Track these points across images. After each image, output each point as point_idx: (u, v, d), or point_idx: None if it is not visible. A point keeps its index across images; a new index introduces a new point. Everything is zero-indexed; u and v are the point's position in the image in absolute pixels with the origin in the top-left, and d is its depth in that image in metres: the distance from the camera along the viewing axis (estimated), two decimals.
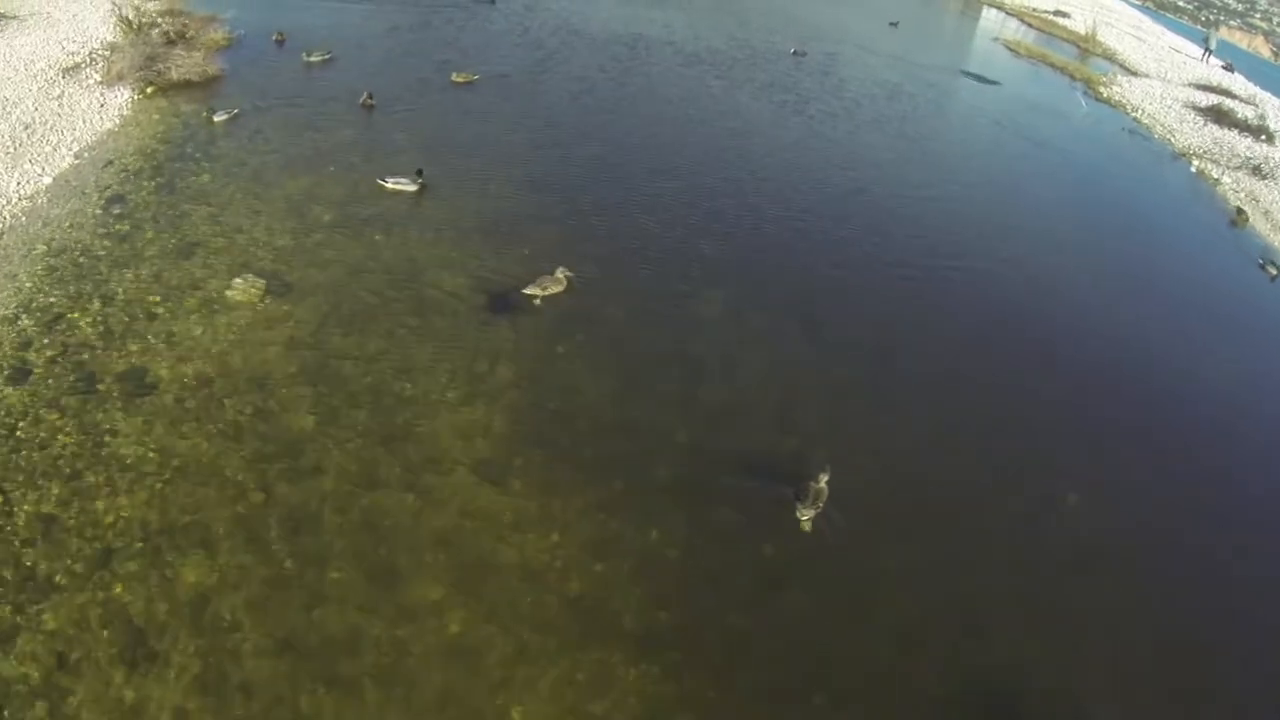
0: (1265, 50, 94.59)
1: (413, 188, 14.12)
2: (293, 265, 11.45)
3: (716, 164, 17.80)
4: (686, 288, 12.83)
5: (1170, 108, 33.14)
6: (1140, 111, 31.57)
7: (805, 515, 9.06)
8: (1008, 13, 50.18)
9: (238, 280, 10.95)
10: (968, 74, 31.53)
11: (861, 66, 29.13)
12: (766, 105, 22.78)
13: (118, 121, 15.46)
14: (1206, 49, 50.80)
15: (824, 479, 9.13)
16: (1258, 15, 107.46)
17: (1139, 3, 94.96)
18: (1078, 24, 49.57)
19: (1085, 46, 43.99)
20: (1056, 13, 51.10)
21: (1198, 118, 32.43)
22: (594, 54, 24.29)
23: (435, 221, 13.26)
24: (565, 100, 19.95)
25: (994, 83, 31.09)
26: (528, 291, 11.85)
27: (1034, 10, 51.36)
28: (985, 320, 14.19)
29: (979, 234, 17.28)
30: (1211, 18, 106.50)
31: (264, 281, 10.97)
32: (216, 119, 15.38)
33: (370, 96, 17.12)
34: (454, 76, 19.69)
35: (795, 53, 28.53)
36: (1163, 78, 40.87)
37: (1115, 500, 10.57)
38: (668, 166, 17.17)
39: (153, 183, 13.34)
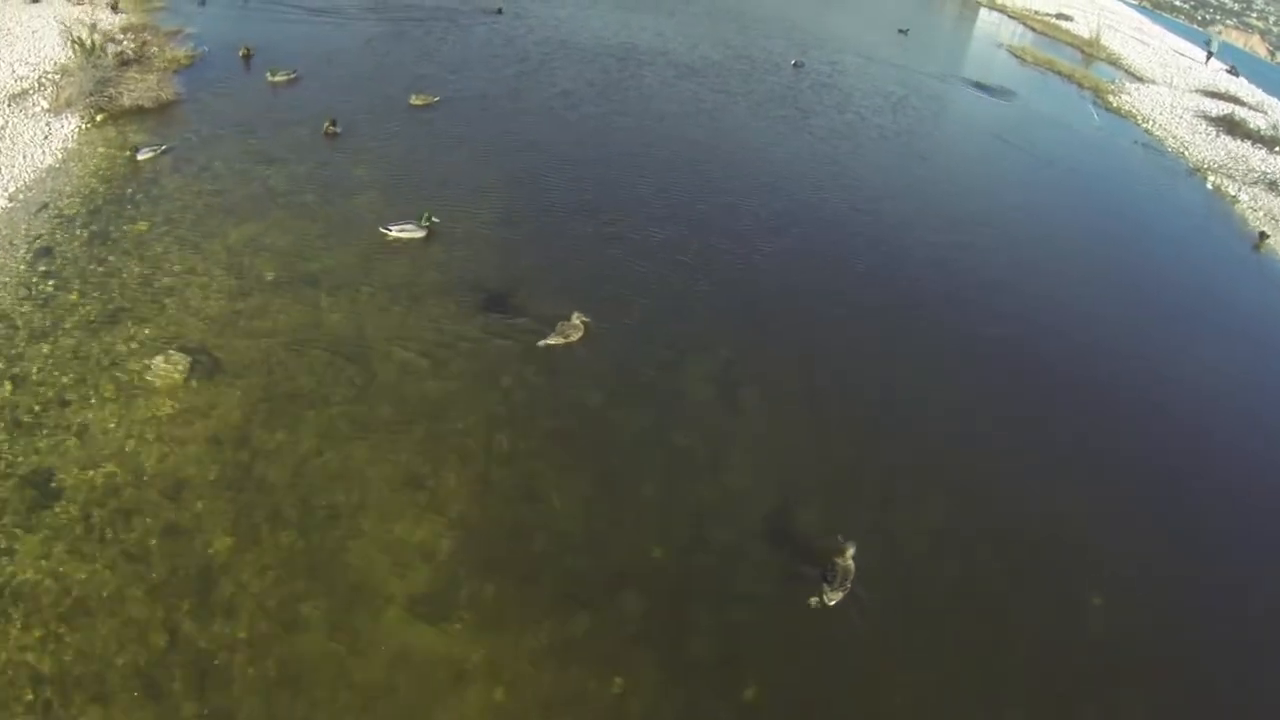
0: (1261, 49, 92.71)
1: (420, 234, 12.61)
2: (224, 337, 9.87)
3: (707, 194, 16.09)
4: (673, 353, 11.19)
5: (1181, 118, 31.44)
6: (1151, 123, 29.88)
7: (833, 597, 8.06)
8: (1009, 15, 48.30)
9: (159, 360, 9.38)
10: (974, 84, 29.71)
11: (864, 77, 27.33)
12: (764, 123, 21.04)
13: (60, 156, 13.89)
14: (1208, 51, 49.00)
15: (849, 553, 8.19)
16: (1254, 14, 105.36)
17: (1136, 2, 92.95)
18: (1081, 28, 47.70)
19: (1090, 51, 42.19)
20: (1059, 15, 49.19)
21: (1210, 128, 30.76)
22: (581, 66, 22.53)
23: (390, 277, 11.62)
24: (546, 122, 18.19)
25: (1002, 93, 29.30)
26: (548, 342, 10.69)
27: (1036, 13, 49.47)
28: (1010, 371, 12.62)
29: (996, 278, 15.49)
30: (1208, 17, 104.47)
31: (188, 360, 9.41)
32: (140, 157, 13.65)
33: (334, 124, 15.49)
34: (412, 99, 17.75)
35: (795, 64, 26.80)
36: (1170, 84, 39.12)
37: (1146, 595, 9.13)
38: (654, 199, 15.46)
39: (87, 231, 11.80)
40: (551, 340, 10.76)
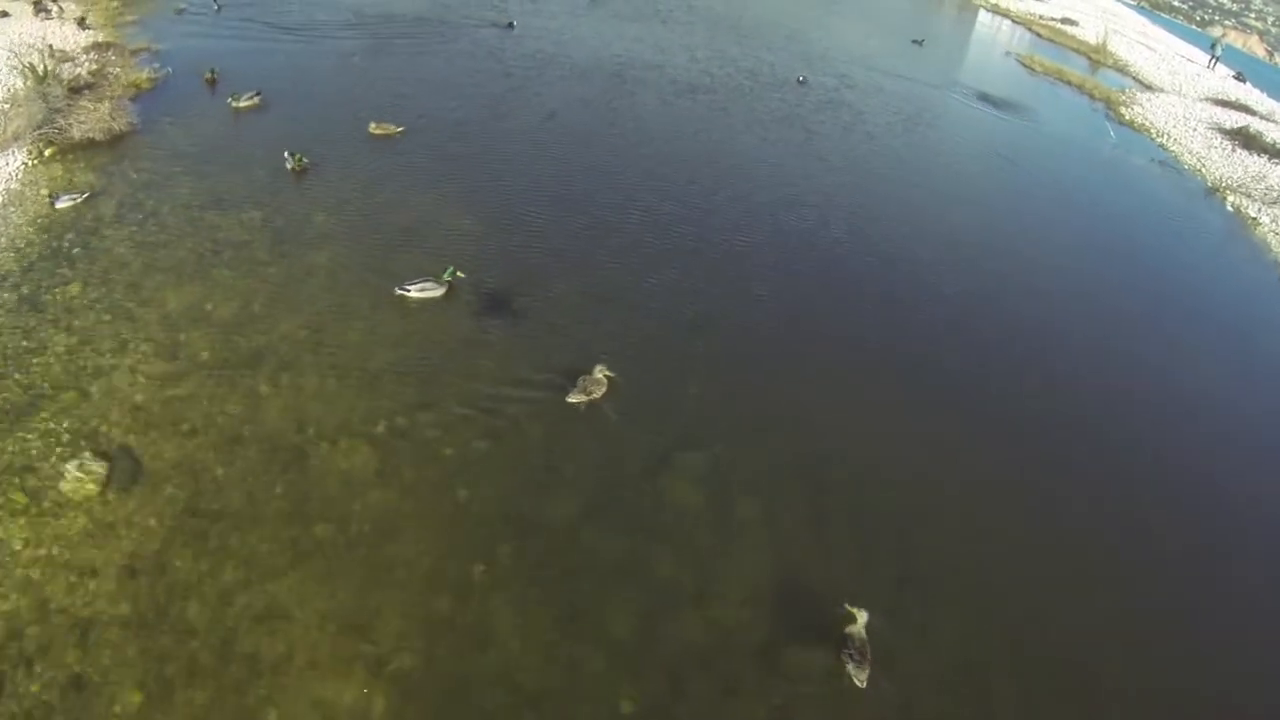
0: (1259, 49, 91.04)
1: (439, 292, 11.22)
2: (149, 434, 8.41)
3: (708, 235, 14.54)
4: (658, 448, 9.55)
5: (1195, 130, 29.89)
6: (1166, 137, 28.34)
7: (861, 676, 7.33)
8: (1014, 20, 46.59)
9: (73, 465, 8.01)
10: (988, 99, 27.98)
11: (872, 93, 25.62)
12: (770, 150, 19.32)
13: (1, 199, 12.61)
14: (1213, 56, 47.34)
15: (862, 621, 7.62)
16: (1252, 15, 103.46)
17: (1135, 2, 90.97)
18: (1087, 33, 46.00)
19: (1097, 58, 40.56)
20: (1064, 20, 47.48)
21: (1225, 142, 29.19)
22: (571, 84, 20.92)
23: (341, 353, 10.02)
24: (528, 152, 16.45)
25: (1017, 110, 27.51)
26: (572, 400, 9.77)
27: (1040, 18, 47.75)
28: (1043, 435, 11.04)
29: (1023, 332, 14.03)
30: (1206, 17, 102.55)
31: (106, 467, 8.04)
32: (59, 205, 12.08)
33: (300, 159, 14.11)
34: (372, 127, 15.90)
35: (800, 80, 25.06)
36: (1179, 92, 37.51)
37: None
38: (649, 242, 13.92)
39: (16, 294, 10.37)
40: (575, 398, 9.76)
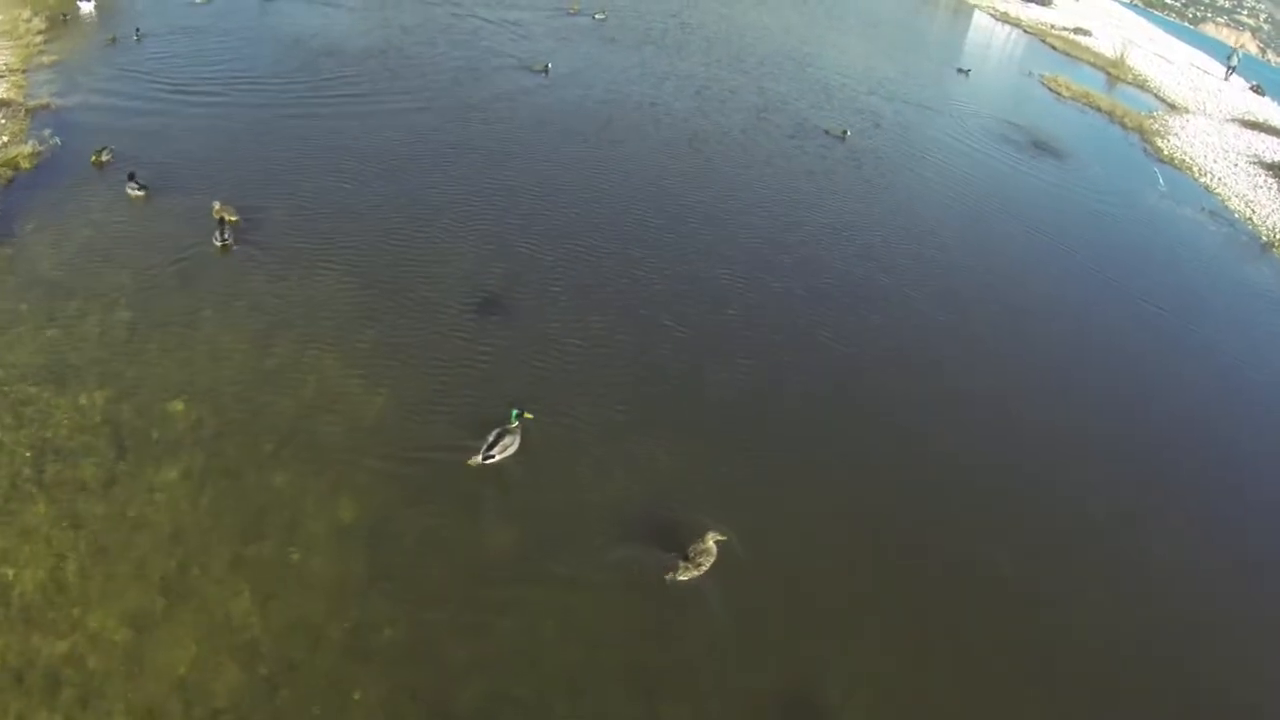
0: (1252, 46, 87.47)
1: (516, 444, 8.54)
2: None
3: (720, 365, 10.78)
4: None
5: (1236, 166, 25.96)
6: (1210, 176, 24.40)
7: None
8: (1026, 30, 42.31)
9: None
10: (1034, 144, 23.64)
11: (907, 140, 21.43)
12: (811, 246, 14.77)
13: None
14: (1229, 67, 43.34)
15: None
16: (1244, 12, 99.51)
17: (1129, 1, 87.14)
18: (1100, 43, 41.84)
19: (1115, 73, 36.53)
20: (1077, 30, 43.26)
21: (1269, 179, 25.45)
22: (541, 141, 16.58)
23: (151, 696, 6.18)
24: (472, 258, 12.06)
25: (1055, 153, 23.18)
26: (679, 577, 7.51)
27: (1052, 28, 43.50)
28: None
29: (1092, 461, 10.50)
30: (1199, 14, 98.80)
31: None
32: None
33: (225, 234, 10.68)
34: (216, 207, 11.65)
35: (843, 135, 20.19)
36: (1204, 111, 33.57)
37: None
38: (646, 392, 10.11)
39: None
40: (683, 575, 7.51)
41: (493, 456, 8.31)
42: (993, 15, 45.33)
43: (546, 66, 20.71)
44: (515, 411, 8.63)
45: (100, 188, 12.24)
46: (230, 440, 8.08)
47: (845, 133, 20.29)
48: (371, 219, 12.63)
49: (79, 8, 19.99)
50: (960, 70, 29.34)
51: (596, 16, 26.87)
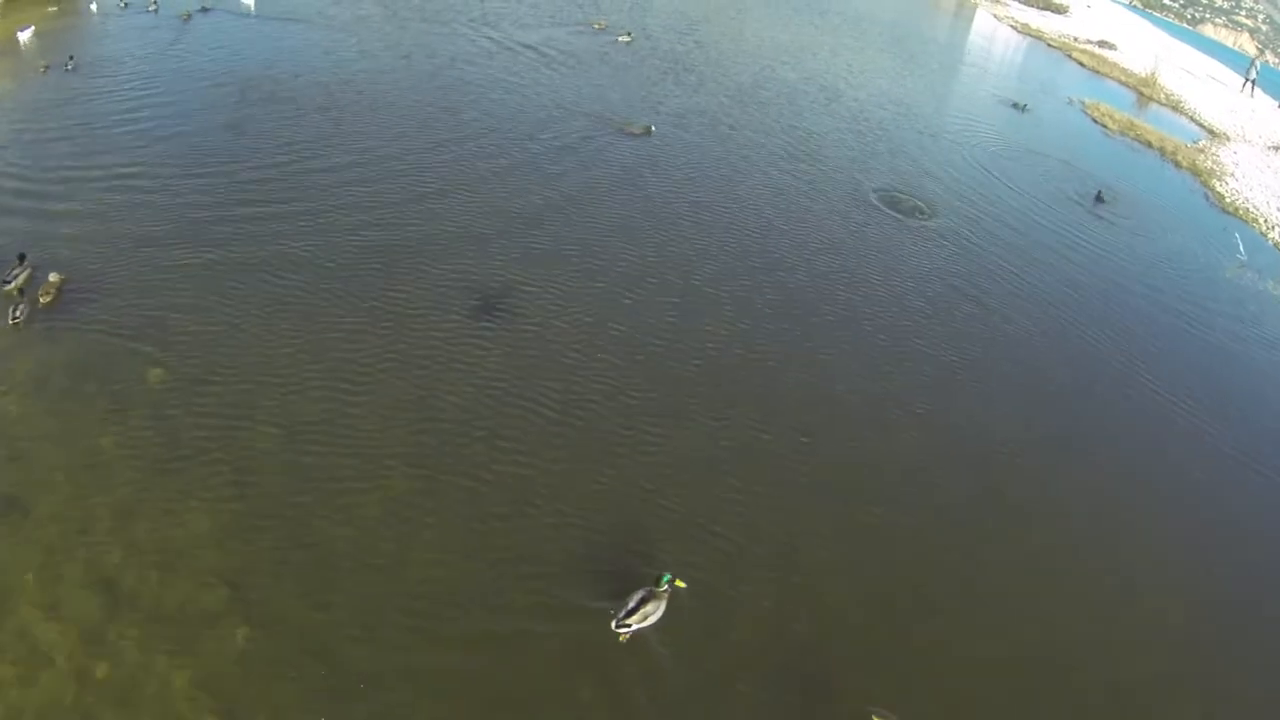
0: (1250, 47, 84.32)
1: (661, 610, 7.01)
2: None
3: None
4: None
5: None
6: (1276, 230, 21.43)
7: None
8: (1049, 44, 38.73)
9: None
10: (1078, 179, 20.38)
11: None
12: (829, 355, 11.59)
13: None
14: (1248, 79, 40.08)
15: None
16: (1242, 13, 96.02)
17: (1128, 2, 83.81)
18: (1126, 58, 38.42)
19: (1147, 92, 33.24)
20: (1101, 43, 39.79)
21: None
22: (508, 233, 12.68)
23: None
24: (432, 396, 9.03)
25: (1118, 211, 19.27)
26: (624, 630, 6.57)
27: (1075, 40, 39.99)
28: None
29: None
30: (1198, 15, 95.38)
31: None
32: None
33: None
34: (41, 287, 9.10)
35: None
36: (1244, 137, 30.44)
37: None
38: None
39: None
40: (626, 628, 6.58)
41: (631, 625, 6.72)
42: (1013, 27, 41.72)
43: (650, 127, 17.38)
44: (666, 575, 7.10)
45: None
46: None
47: (923, 211, 16.59)
48: None
49: (18, 37, 17.25)
50: (1016, 106, 25.73)
51: (620, 39, 23.46)
